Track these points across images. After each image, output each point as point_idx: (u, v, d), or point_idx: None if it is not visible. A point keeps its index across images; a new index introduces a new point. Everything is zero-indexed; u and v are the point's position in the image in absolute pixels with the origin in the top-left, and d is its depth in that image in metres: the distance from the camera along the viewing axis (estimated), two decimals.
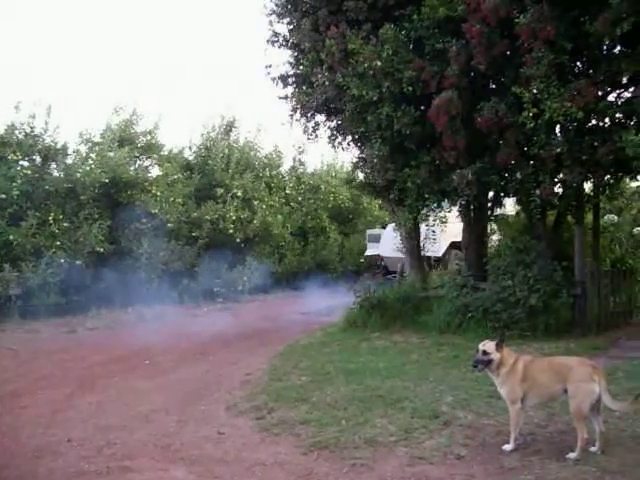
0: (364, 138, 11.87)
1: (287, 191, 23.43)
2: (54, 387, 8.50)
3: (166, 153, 20.27)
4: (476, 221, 13.01)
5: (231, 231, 19.49)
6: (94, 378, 9.00)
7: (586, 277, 10.99)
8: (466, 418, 6.31)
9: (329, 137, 13.03)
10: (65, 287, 15.31)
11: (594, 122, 10.05)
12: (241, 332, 13.15)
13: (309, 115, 12.67)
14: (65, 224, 15.84)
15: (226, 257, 18.66)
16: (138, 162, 19.01)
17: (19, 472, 5.43)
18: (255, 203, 20.75)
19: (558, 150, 9.61)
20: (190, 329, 13.66)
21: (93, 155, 17.24)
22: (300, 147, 24.08)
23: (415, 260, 14.14)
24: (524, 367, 5.42)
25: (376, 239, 21.57)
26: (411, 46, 10.54)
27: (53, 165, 16.85)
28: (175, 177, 19.32)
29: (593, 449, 5.17)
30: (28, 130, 16.03)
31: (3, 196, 14.81)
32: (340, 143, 13.10)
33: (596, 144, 9.53)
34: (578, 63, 10.25)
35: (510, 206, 14.38)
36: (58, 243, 15.36)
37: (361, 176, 14.31)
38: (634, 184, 13.56)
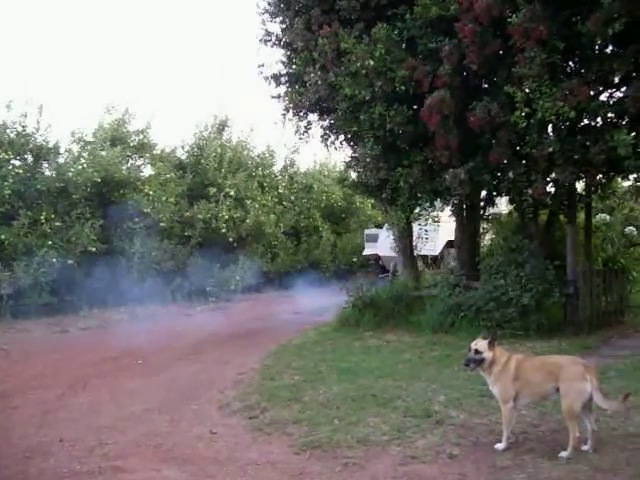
0: (357, 137, 11.87)
1: (280, 190, 23.42)
2: (45, 387, 8.46)
3: (158, 152, 20.27)
4: (469, 220, 13.05)
5: (224, 230, 19.48)
6: (86, 378, 8.96)
7: (578, 276, 11.03)
8: (458, 417, 6.32)
9: (322, 136, 13.01)
10: (57, 287, 15.27)
11: (586, 121, 10.08)
12: (233, 331, 13.14)
13: (302, 114, 12.65)
14: (57, 223, 15.80)
15: (219, 256, 18.64)
16: (130, 161, 19.01)
17: (9, 473, 5.38)
18: (248, 202, 20.75)
19: (550, 149, 9.63)
20: (182, 328, 13.65)
21: (85, 154, 17.21)
22: (293, 146, 24.10)
23: (408, 259, 14.15)
24: (516, 366, 5.41)
25: (374, 239, 21.67)
26: (404, 45, 10.56)
27: (45, 164, 16.82)
28: (167, 176, 19.30)
29: (585, 448, 5.17)
30: (20, 129, 16.00)
31: None
32: (333, 142, 13.09)
33: (588, 143, 9.56)
34: (570, 63, 10.28)
35: (503, 205, 14.41)
36: (50, 242, 15.32)
37: (354, 175, 14.31)
38: (626, 183, 13.58)
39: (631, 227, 15.53)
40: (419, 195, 11.35)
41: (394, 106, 10.49)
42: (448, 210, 13.26)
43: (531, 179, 10.03)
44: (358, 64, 10.35)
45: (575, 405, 5.06)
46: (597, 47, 9.91)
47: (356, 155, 12.48)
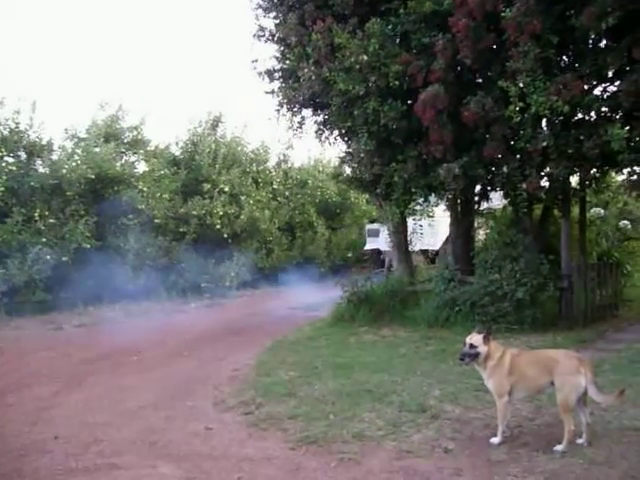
0: (351, 133, 11.87)
1: (274, 186, 23.39)
2: (40, 384, 8.43)
3: (152, 148, 20.20)
4: (463, 215, 13.06)
5: (218, 226, 19.45)
6: (81, 375, 8.93)
7: (573, 270, 11.06)
8: (454, 412, 6.34)
9: (316, 132, 13.02)
10: (51, 284, 15.20)
11: (580, 116, 10.10)
12: (229, 328, 13.14)
13: (295, 110, 12.64)
14: (51, 220, 15.73)
15: (213, 252, 18.63)
16: (124, 158, 18.92)
17: (4, 470, 5.36)
18: (242, 198, 20.72)
19: (544, 144, 9.64)
20: (177, 325, 13.62)
21: (79, 151, 17.12)
22: (287, 142, 24.07)
23: (402, 254, 14.15)
24: (511, 360, 5.42)
25: (375, 233, 21.75)
26: (397, 40, 10.56)
27: (38, 161, 16.72)
28: (162, 172, 19.23)
29: (580, 441, 5.19)
30: (13, 126, 15.91)
31: None
32: (327, 138, 13.10)
33: (582, 138, 9.59)
34: (564, 57, 10.29)
35: (497, 200, 14.42)
36: (44, 239, 15.25)
37: (348, 171, 14.30)
38: (620, 177, 13.61)
39: (625, 221, 15.59)
40: (413, 190, 11.36)
41: (388, 101, 10.49)
42: (443, 205, 13.26)
43: (525, 173, 10.05)
44: (352, 59, 10.34)
45: (570, 399, 5.08)
46: (591, 41, 9.94)
47: (350, 150, 12.48)
